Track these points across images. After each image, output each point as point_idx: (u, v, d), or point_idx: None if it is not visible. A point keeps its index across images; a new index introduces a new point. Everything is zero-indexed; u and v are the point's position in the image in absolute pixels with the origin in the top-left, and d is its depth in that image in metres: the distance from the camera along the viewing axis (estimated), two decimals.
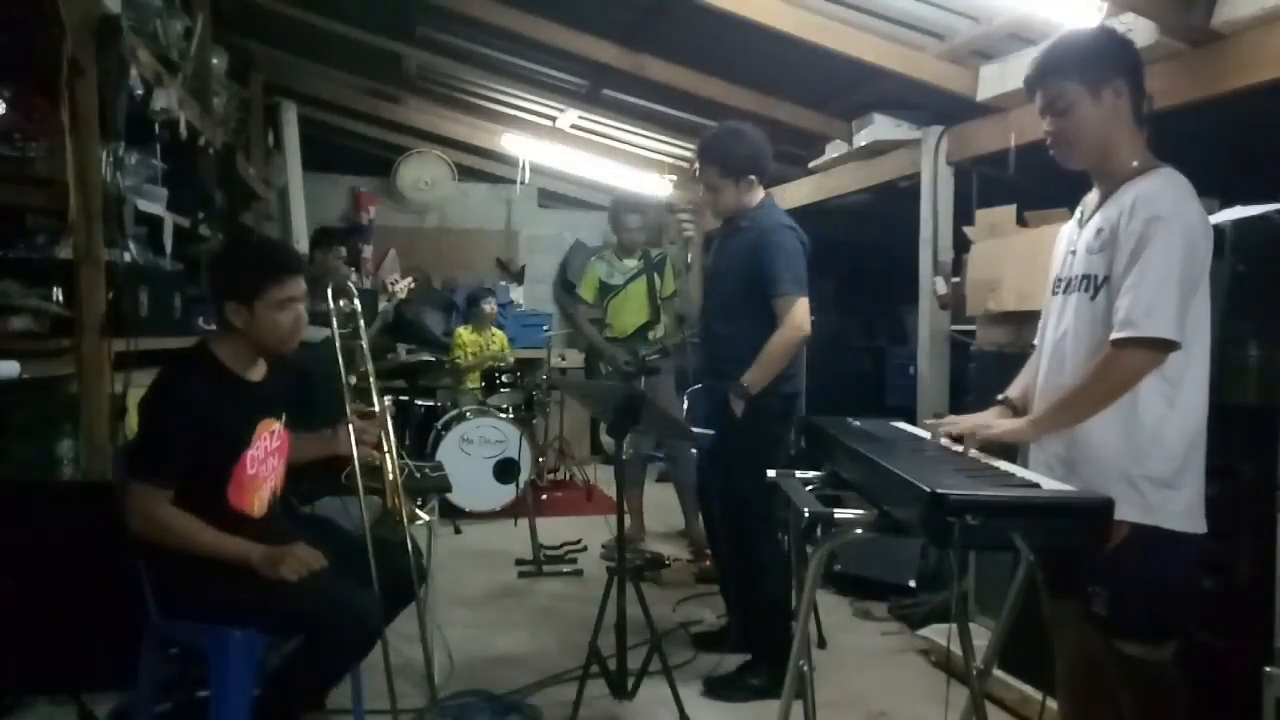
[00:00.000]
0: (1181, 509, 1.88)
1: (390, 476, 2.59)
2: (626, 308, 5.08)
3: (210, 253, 2.75)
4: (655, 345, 4.95)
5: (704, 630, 3.70)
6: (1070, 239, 2.09)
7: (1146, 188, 1.88)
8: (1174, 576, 1.91)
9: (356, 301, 2.76)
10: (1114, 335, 1.84)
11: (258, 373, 2.39)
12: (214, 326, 2.43)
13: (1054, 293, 2.10)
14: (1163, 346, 1.82)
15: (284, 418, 2.46)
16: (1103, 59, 1.95)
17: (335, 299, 2.69)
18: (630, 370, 4.80)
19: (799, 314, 3.10)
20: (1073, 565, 1.92)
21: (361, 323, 2.73)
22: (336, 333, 2.64)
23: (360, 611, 2.25)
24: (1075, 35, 2.05)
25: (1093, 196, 2.06)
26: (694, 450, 5.19)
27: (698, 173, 3.37)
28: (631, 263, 5.11)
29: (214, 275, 2.46)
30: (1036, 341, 2.22)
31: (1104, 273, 1.92)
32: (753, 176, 3.25)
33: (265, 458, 2.38)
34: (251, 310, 2.28)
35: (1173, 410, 1.88)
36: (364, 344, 2.72)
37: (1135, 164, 1.95)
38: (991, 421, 2.11)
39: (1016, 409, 2.17)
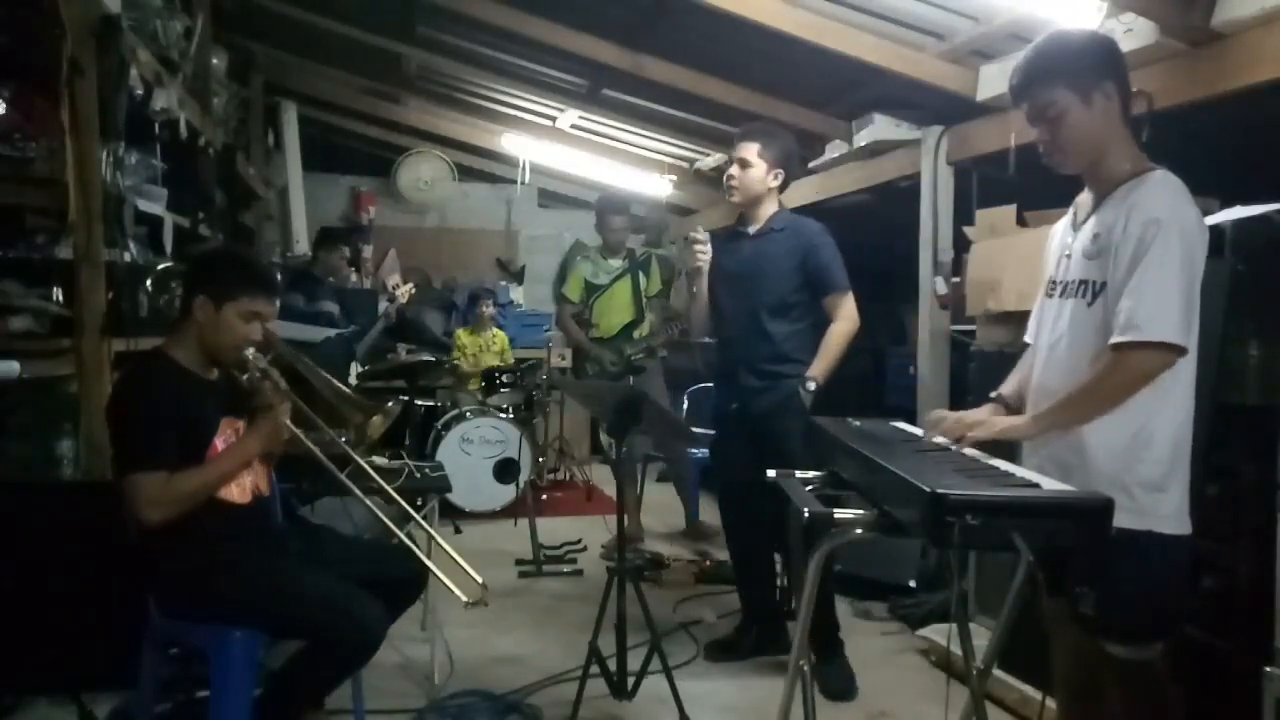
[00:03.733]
0: (1171, 511, 1.88)
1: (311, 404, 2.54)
2: (611, 307, 5.10)
3: (204, 248, 2.76)
4: (640, 344, 4.99)
5: (717, 639, 3.63)
6: (1065, 241, 2.07)
7: (1143, 191, 1.87)
8: (1163, 580, 1.90)
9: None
10: (1116, 339, 1.82)
11: (212, 374, 2.44)
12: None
13: (1049, 295, 2.09)
14: (1169, 350, 1.80)
15: (245, 420, 2.47)
16: (1090, 63, 1.93)
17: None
18: (616, 371, 4.87)
19: (853, 307, 3.31)
20: (1064, 565, 1.91)
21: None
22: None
23: (362, 618, 2.25)
24: (1060, 40, 2.00)
25: (1085, 198, 2.04)
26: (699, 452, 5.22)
27: (735, 151, 3.35)
28: (616, 262, 5.15)
29: (197, 266, 2.51)
30: (1028, 339, 2.21)
31: (1101, 279, 1.91)
32: (781, 172, 3.31)
33: None
34: (218, 309, 2.34)
35: (1162, 413, 1.87)
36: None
37: (1128, 166, 1.93)
38: (989, 419, 2.09)
39: (1009, 406, 2.16)
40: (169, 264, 3.53)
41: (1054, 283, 2.07)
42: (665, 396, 5.11)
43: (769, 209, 3.36)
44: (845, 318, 3.27)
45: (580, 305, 5.20)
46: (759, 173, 3.29)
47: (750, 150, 3.29)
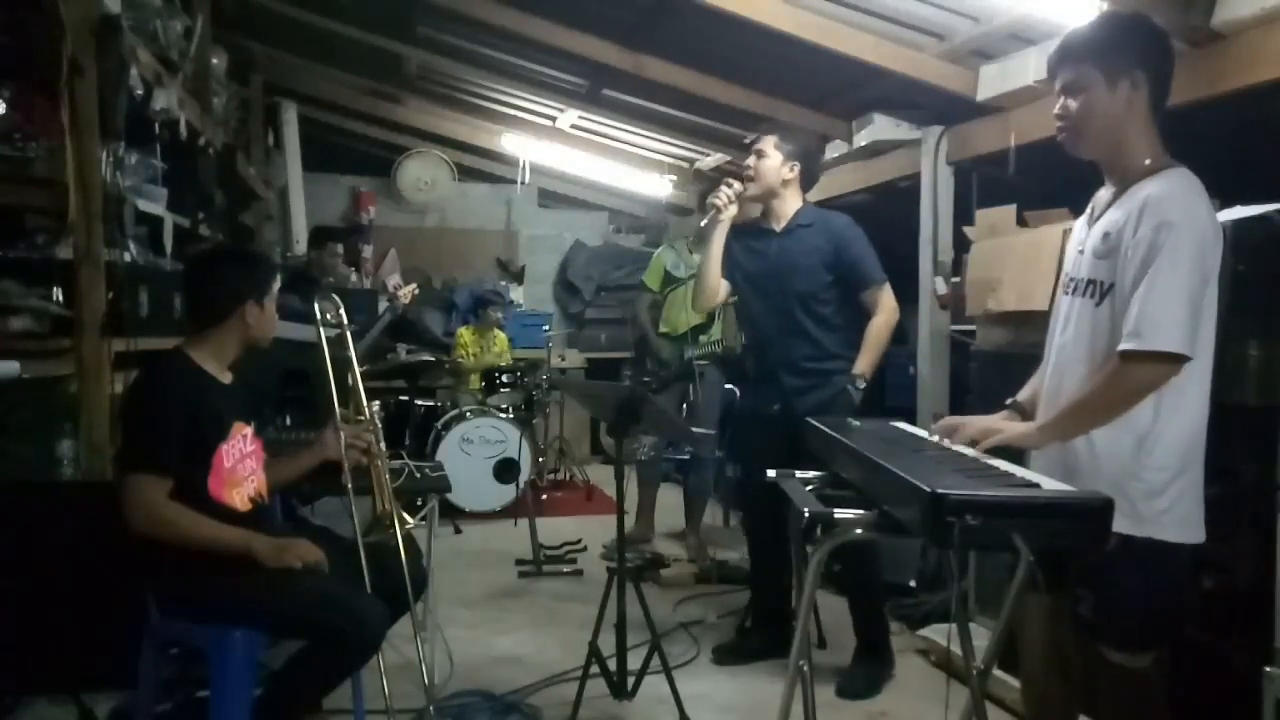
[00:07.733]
0: (1176, 519, 1.83)
1: (381, 482, 2.59)
2: (683, 303, 4.89)
3: (210, 260, 2.69)
4: (705, 348, 4.80)
5: (725, 643, 3.58)
6: (1080, 236, 2.03)
7: (1156, 190, 1.81)
8: (1163, 590, 1.85)
9: (343, 311, 2.76)
10: (1121, 346, 1.79)
11: (227, 377, 2.46)
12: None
13: (1065, 291, 2.04)
14: (1172, 360, 1.76)
15: (253, 424, 2.49)
16: (1125, 47, 1.87)
17: (321, 308, 2.71)
18: (670, 373, 4.74)
19: (892, 298, 3.28)
20: (1064, 565, 1.90)
21: (348, 333, 2.73)
22: (323, 338, 2.65)
23: (362, 616, 2.24)
24: (1105, 19, 1.97)
25: (1104, 193, 1.99)
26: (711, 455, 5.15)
27: (754, 145, 3.34)
28: (699, 258, 5.00)
29: (236, 278, 2.42)
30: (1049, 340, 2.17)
31: (1110, 279, 1.86)
32: (797, 165, 3.29)
33: (242, 457, 2.40)
34: (263, 307, 2.42)
35: (1169, 416, 1.82)
36: (351, 351, 2.72)
37: (1147, 162, 1.88)
38: (1001, 425, 2.06)
39: (1025, 413, 2.13)
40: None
41: (1069, 279, 2.03)
42: (714, 406, 4.91)
43: (791, 205, 3.31)
44: (886, 309, 3.25)
45: (658, 295, 5.02)
46: (773, 163, 3.26)
47: (767, 142, 3.29)
